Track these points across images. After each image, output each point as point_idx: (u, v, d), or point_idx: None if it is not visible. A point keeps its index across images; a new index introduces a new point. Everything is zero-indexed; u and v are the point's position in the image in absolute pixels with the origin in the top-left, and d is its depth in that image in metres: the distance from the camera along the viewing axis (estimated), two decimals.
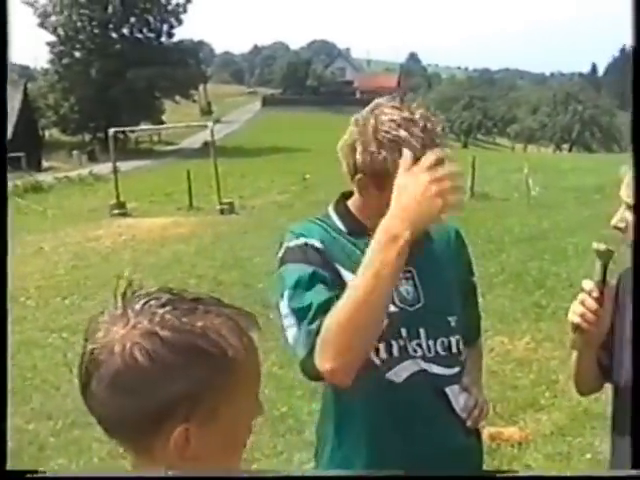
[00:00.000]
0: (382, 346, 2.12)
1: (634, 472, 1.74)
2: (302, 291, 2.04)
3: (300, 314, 2.02)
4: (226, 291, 9.42)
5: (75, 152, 49.16)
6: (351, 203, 2.24)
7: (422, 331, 2.17)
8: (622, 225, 2.07)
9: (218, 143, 24.92)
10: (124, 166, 30.13)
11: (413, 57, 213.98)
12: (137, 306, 1.19)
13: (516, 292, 9.51)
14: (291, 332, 2.05)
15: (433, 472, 2.11)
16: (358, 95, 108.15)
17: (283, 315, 2.09)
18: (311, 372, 2.00)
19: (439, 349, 2.20)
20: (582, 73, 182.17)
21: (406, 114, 2.04)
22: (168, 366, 1.14)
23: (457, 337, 2.26)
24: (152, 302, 1.19)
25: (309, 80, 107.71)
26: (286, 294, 2.07)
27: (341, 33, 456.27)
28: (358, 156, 2.07)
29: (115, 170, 22.13)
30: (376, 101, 2.13)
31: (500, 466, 4.71)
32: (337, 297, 1.95)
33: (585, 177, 21.86)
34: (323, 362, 1.93)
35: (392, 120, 2.03)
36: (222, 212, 19.70)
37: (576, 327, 2.10)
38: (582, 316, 2.07)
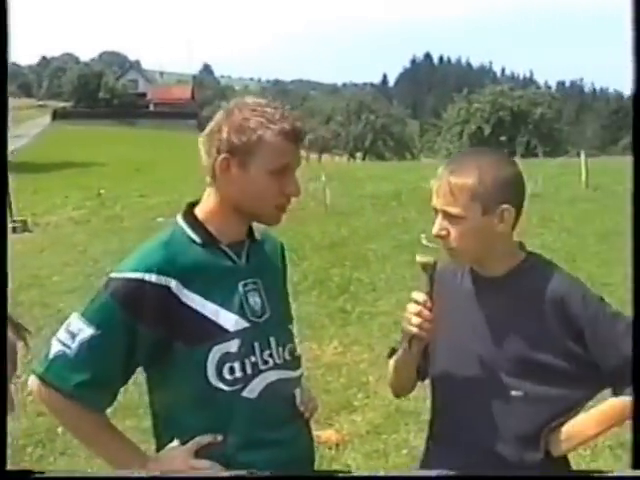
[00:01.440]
0: (237, 365, 2.11)
1: (634, 472, 1.80)
2: (94, 339, 2.05)
3: (77, 355, 2.04)
4: (26, 312, 8.96)
5: None
6: (199, 211, 2.21)
7: (272, 340, 2.19)
8: (444, 233, 2.16)
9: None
10: None
11: (207, 69, 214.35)
12: None
13: (321, 298, 9.69)
14: (56, 349, 2.06)
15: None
16: (152, 107, 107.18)
17: (67, 327, 2.08)
18: (39, 388, 2.08)
19: (287, 355, 2.24)
20: (374, 83, 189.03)
21: (270, 104, 2.13)
22: None
23: (296, 342, 2.33)
24: None
25: (101, 92, 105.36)
26: (83, 323, 2.06)
27: (132, 44, 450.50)
28: (224, 135, 2.08)
29: None
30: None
31: (320, 468, 4.72)
32: (112, 365, 2.07)
33: (380, 184, 22.51)
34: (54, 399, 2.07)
35: (258, 104, 2.11)
36: (15, 230, 18.87)
37: (412, 337, 2.21)
38: (419, 326, 2.17)
